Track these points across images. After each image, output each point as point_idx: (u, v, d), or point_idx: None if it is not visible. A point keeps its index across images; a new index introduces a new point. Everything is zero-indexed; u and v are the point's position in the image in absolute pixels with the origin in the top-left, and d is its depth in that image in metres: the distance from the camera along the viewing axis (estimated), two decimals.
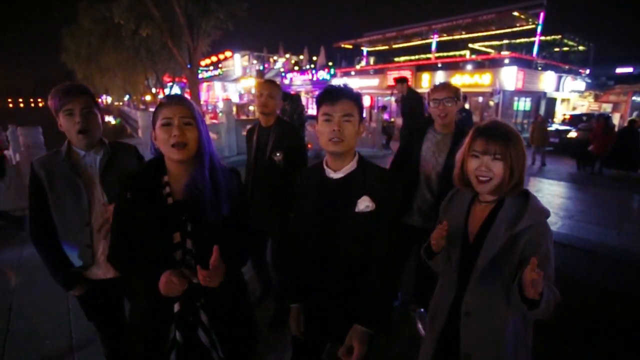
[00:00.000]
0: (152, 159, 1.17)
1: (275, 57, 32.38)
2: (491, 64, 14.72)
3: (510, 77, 13.96)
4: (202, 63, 31.27)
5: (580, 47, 19.51)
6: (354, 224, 1.20)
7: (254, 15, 18.02)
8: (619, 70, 21.79)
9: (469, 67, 15.28)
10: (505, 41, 18.41)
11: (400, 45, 21.22)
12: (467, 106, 8.40)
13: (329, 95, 1.19)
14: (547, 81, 16.16)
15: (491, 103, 14.73)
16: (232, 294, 1.19)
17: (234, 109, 9.17)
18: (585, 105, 19.10)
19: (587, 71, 19.25)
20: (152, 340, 1.13)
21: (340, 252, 1.23)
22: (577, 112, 16.74)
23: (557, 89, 17.09)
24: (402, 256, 2.46)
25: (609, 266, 3.64)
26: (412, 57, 20.84)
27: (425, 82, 16.33)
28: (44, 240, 1.47)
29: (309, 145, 7.24)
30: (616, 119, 15.25)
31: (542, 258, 1.07)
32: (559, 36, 17.62)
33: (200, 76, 23.64)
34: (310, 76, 24.51)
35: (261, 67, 28.61)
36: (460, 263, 1.21)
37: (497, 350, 1.15)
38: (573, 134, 10.86)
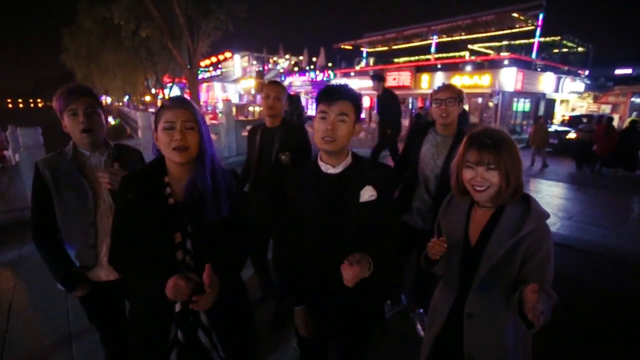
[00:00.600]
0: (154, 160, 1.18)
1: (275, 58, 32.42)
2: (490, 65, 14.75)
3: (509, 78, 13.99)
4: (202, 64, 31.30)
5: (580, 49, 19.55)
6: (360, 214, 1.24)
7: (253, 16, 18.03)
8: (618, 71, 21.84)
9: (469, 68, 15.31)
10: (505, 42, 18.47)
11: (400, 46, 21.25)
12: (466, 107, 8.42)
13: (327, 94, 1.21)
14: (546, 82, 16.19)
15: (490, 104, 14.76)
16: (230, 295, 1.19)
17: (234, 109, 9.17)
18: (584, 106, 19.14)
19: (586, 72, 19.28)
20: (153, 340, 1.13)
21: (345, 243, 1.25)
22: (576, 113, 16.77)
23: (556, 90, 17.12)
24: (402, 253, 2.48)
25: (608, 267, 3.65)
26: (412, 58, 20.86)
27: (425, 83, 16.36)
28: (45, 240, 1.47)
29: None
30: (615, 120, 15.27)
31: (543, 259, 1.08)
32: (558, 37, 17.67)
33: (200, 77, 23.65)
34: (307, 76, 24.53)
35: (260, 68, 28.63)
36: (462, 267, 1.22)
37: (499, 351, 1.16)
38: (572, 135, 10.88)
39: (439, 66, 16.44)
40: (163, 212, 1.09)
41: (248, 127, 2.69)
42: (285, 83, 25.86)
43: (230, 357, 1.19)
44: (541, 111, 16.77)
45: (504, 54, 15.33)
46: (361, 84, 19.81)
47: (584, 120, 12.18)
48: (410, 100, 17.97)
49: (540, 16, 14.68)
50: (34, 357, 2.25)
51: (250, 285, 2.85)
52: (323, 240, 1.28)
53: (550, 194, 6.61)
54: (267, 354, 2.23)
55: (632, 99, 18.10)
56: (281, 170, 2.15)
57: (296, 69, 28.85)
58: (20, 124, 6.40)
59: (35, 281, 3.10)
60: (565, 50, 19.24)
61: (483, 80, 14.59)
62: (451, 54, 18.84)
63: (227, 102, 10.28)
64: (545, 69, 16.07)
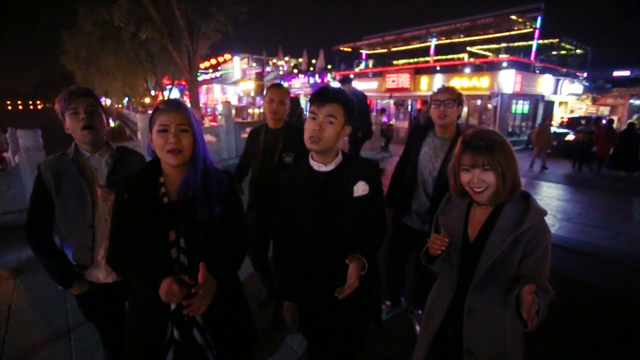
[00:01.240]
0: (150, 161, 1.20)
1: (274, 60, 32.48)
2: (489, 67, 14.81)
3: (508, 80, 14.04)
4: (202, 66, 31.33)
5: (578, 51, 19.62)
6: (354, 208, 1.31)
7: (253, 18, 18.08)
8: (616, 73, 21.91)
9: (468, 70, 15.37)
10: (504, 44, 18.55)
11: (399, 49, 21.31)
12: (465, 109, 8.46)
13: (318, 96, 1.27)
14: (544, 84, 16.25)
15: (489, 106, 14.80)
16: (226, 295, 1.20)
17: (233, 111, 9.20)
18: (583, 108, 19.20)
19: (585, 74, 19.35)
20: (150, 339, 1.14)
21: (342, 236, 1.32)
22: (574, 115, 16.83)
23: (555, 92, 17.18)
24: (401, 256, 2.49)
25: (606, 268, 3.66)
26: (411, 60, 20.93)
27: (424, 85, 16.41)
28: (39, 238, 1.48)
29: None
30: (614, 122, 15.33)
31: (541, 254, 1.12)
32: (557, 40, 17.74)
33: (199, 79, 23.68)
34: (314, 79, 24.59)
35: (260, 70, 28.69)
36: (461, 264, 1.24)
37: (498, 345, 1.18)
38: (571, 137, 10.92)
39: (438, 68, 16.50)
40: (158, 211, 1.12)
41: (248, 129, 2.69)
42: (285, 85, 25.94)
43: (224, 358, 1.20)
44: (540, 113, 16.83)
45: (502, 56, 15.39)
46: (361, 86, 19.88)
47: (583, 122, 12.22)
48: (409, 102, 18.02)
49: (539, 18, 14.75)
50: (34, 358, 2.25)
51: (254, 287, 2.87)
52: (319, 234, 1.34)
53: (549, 196, 6.63)
54: (267, 355, 2.23)
55: (631, 101, 18.17)
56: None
57: (296, 71, 28.90)
58: (19, 125, 6.41)
59: (34, 283, 3.10)
60: (563, 52, 19.32)
61: (482, 82, 14.64)
62: (450, 56, 18.89)
63: (226, 104, 10.29)
64: (543, 71, 16.13)
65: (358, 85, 20.00)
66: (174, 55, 17.14)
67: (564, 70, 17.75)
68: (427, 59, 18.26)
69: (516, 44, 18.11)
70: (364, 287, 1.33)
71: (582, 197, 6.66)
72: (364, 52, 22.25)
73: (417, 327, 2.44)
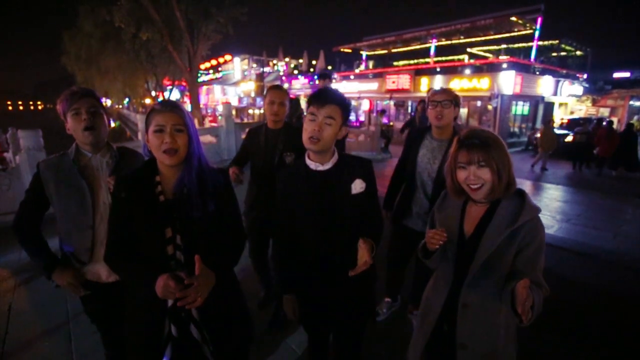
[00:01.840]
0: (146, 160, 1.23)
1: (274, 61, 32.52)
2: (489, 68, 14.81)
3: (508, 81, 14.05)
4: (202, 66, 31.35)
5: (578, 52, 19.64)
6: (353, 205, 1.36)
7: (253, 19, 18.11)
8: (616, 74, 21.93)
9: (468, 71, 15.37)
10: (504, 46, 18.56)
11: (399, 50, 21.34)
12: (465, 110, 8.44)
13: (317, 98, 1.30)
14: (544, 85, 16.26)
15: (489, 107, 14.81)
16: (222, 291, 1.22)
17: (234, 112, 9.22)
18: (583, 109, 19.20)
19: (585, 76, 19.37)
20: (149, 335, 1.16)
21: (339, 234, 1.37)
22: (574, 116, 16.83)
23: (555, 94, 17.19)
24: (403, 257, 2.51)
25: (604, 269, 3.66)
26: (411, 62, 20.97)
27: (424, 86, 16.42)
28: (27, 231, 1.49)
29: None
30: (614, 124, 15.36)
31: (536, 249, 1.14)
32: (557, 41, 17.75)
33: (199, 79, 23.70)
34: (304, 79, 24.62)
35: (260, 71, 28.72)
36: (457, 259, 1.26)
37: (491, 338, 1.21)
38: (570, 138, 10.95)
39: (438, 69, 16.51)
40: (154, 209, 1.14)
41: (247, 129, 2.67)
42: (285, 86, 25.99)
43: (221, 353, 1.22)
44: (540, 114, 16.83)
45: (502, 58, 15.40)
46: (361, 87, 19.90)
47: (581, 123, 12.24)
48: (409, 103, 18.03)
49: (539, 20, 14.77)
50: (34, 358, 2.26)
51: (253, 287, 2.88)
52: (318, 232, 1.38)
53: (549, 197, 6.64)
54: (267, 354, 2.24)
55: (630, 102, 18.18)
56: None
57: (296, 72, 28.93)
58: (20, 126, 6.42)
59: (35, 282, 3.11)
60: (563, 53, 19.34)
61: (482, 84, 14.65)
62: (450, 58, 18.91)
63: (226, 104, 10.30)
64: (543, 72, 16.14)
65: (358, 86, 20.03)
66: (175, 56, 17.17)
67: (564, 71, 17.76)
68: (427, 60, 18.29)
69: (516, 45, 18.13)
70: (361, 281, 1.38)
71: (582, 198, 6.67)
72: (364, 53, 22.28)
73: None
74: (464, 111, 16.40)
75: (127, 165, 1.56)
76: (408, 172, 2.25)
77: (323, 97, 1.29)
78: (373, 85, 19.28)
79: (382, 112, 13.92)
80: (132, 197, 1.15)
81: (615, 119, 15.73)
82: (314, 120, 1.29)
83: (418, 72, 17.03)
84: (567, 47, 18.88)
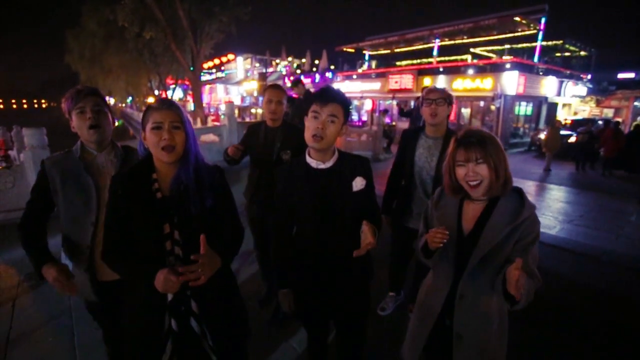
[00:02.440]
0: (142, 158, 1.25)
1: (277, 60, 32.55)
2: (492, 68, 14.76)
3: (511, 81, 14.00)
4: (205, 66, 31.41)
5: (582, 53, 19.53)
6: (353, 203, 1.40)
7: (257, 18, 18.14)
8: (620, 75, 21.79)
9: (471, 71, 15.33)
10: (507, 46, 18.47)
11: (402, 50, 21.29)
12: (468, 111, 8.40)
13: (320, 96, 1.32)
14: (548, 86, 16.19)
15: (492, 107, 14.76)
16: (219, 284, 1.25)
17: (236, 111, 9.20)
18: (586, 110, 19.11)
19: (589, 76, 19.26)
20: (149, 331, 1.18)
21: (339, 231, 1.40)
22: (578, 117, 16.75)
23: (559, 94, 17.11)
24: (405, 257, 2.54)
25: (606, 270, 3.65)
26: (414, 61, 20.91)
27: None
28: (29, 229, 1.48)
29: None
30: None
31: (530, 241, 1.19)
32: (561, 41, 17.65)
33: (202, 78, 23.75)
34: (318, 78, 24.62)
35: (263, 71, 28.76)
36: (457, 256, 1.30)
37: (483, 330, 1.26)
38: (573, 139, 10.91)
39: (441, 69, 16.47)
40: (152, 206, 1.16)
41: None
42: (288, 85, 26.00)
43: (221, 347, 1.24)
44: (543, 115, 16.75)
45: (506, 58, 15.33)
46: (363, 87, 19.88)
47: (584, 123, 12.20)
48: (412, 103, 17.99)
49: (543, 20, 14.70)
50: (37, 354, 2.29)
51: (253, 286, 2.90)
52: (319, 229, 1.40)
53: (551, 197, 6.62)
54: (267, 353, 2.26)
55: (635, 103, 18.06)
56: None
57: (299, 71, 28.93)
58: (25, 124, 6.47)
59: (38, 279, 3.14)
60: (567, 54, 19.24)
61: (485, 84, 14.60)
62: (453, 58, 18.86)
63: (229, 104, 10.32)
64: (547, 72, 16.07)
65: (361, 86, 20.00)
66: (178, 55, 17.22)
67: (568, 72, 17.67)
68: (430, 60, 18.23)
69: (520, 45, 18.03)
70: (358, 277, 1.44)
71: (584, 199, 6.64)
72: (367, 52, 22.25)
73: None
74: (466, 111, 16.37)
75: (132, 163, 1.57)
76: (406, 172, 2.27)
77: (326, 95, 1.32)
78: (376, 85, 19.26)
79: (385, 111, 13.90)
80: (129, 195, 1.16)
81: (619, 120, 15.65)
82: (317, 119, 1.31)
83: (421, 72, 16.99)
84: (571, 48, 18.78)
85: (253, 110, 28.95)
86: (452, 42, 18.67)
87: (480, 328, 1.26)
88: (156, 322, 1.16)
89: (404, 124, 17.94)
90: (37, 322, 2.60)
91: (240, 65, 34.11)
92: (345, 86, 21.07)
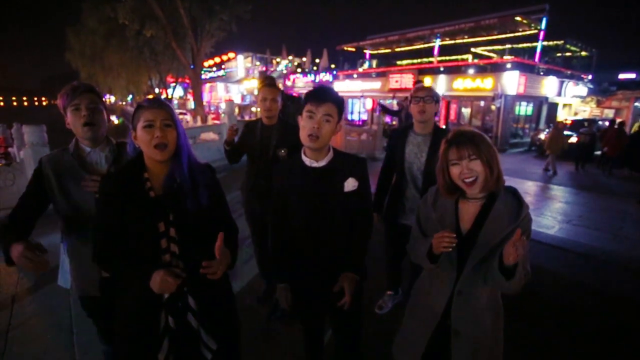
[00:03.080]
0: (132, 158, 1.24)
1: (278, 59, 32.52)
2: (493, 68, 14.76)
3: (512, 81, 14.00)
4: (205, 64, 31.44)
5: (583, 53, 19.50)
6: (344, 203, 1.40)
7: (257, 17, 18.11)
8: (621, 76, 21.75)
9: (471, 71, 15.33)
10: (508, 46, 18.46)
11: (403, 49, 21.28)
12: (468, 110, 8.39)
13: (315, 96, 1.34)
14: (549, 86, 16.19)
15: (493, 107, 14.76)
16: (218, 281, 1.26)
17: (236, 110, 9.20)
18: (587, 110, 19.08)
19: (590, 76, 19.24)
20: (144, 331, 1.18)
21: (329, 230, 1.42)
22: (578, 117, 16.74)
23: (559, 94, 17.11)
24: (400, 254, 2.53)
25: (603, 269, 3.66)
26: (415, 61, 20.88)
27: None
28: (17, 220, 1.40)
29: None
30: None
31: (526, 237, 1.18)
32: (562, 41, 17.64)
33: (203, 77, 23.72)
34: (312, 77, 24.61)
35: (264, 69, 28.74)
36: (457, 253, 1.31)
37: (478, 325, 1.28)
38: (574, 139, 10.91)
39: (441, 69, 16.47)
40: (145, 205, 1.16)
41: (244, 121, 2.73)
42: (288, 83, 25.98)
43: (218, 341, 1.24)
44: (544, 115, 16.74)
45: (506, 58, 15.33)
46: (364, 86, 19.88)
47: (585, 124, 12.20)
48: (394, 102, 17.96)
49: (544, 20, 14.69)
50: (37, 350, 2.30)
51: (252, 282, 2.91)
52: (310, 227, 1.42)
53: (551, 197, 6.63)
54: (265, 349, 2.26)
55: (636, 104, 18.03)
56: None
57: (299, 70, 28.92)
58: (25, 121, 6.47)
59: (38, 276, 3.15)
60: (568, 54, 19.21)
61: (485, 84, 14.60)
62: (454, 57, 18.84)
63: (229, 102, 10.32)
64: (548, 72, 16.06)
65: (361, 85, 20.00)
66: (178, 53, 17.21)
67: (569, 72, 17.66)
68: (430, 59, 18.22)
69: (520, 45, 18.01)
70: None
71: (584, 199, 6.65)
72: (367, 52, 22.24)
73: None
74: (467, 111, 16.36)
75: (125, 159, 1.56)
76: (397, 169, 2.33)
77: (321, 95, 1.33)
78: (376, 85, 19.25)
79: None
80: (120, 195, 1.15)
81: (619, 120, 15.64)
82: (313, 118, 1.32)
83: (421, 72, 16.99)
84: (572, 48, 18.76)
85: (253, 109, 28.93)
86: (452, 41, 18.66)
87: (475, 321, 1.28)
88: (151, 319, 1.17)
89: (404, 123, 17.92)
90: (36, 319, 2.61)
91: (240, 63, 34.08)
92: (346, 85, 21.06)
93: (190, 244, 1.15)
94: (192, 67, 18.10)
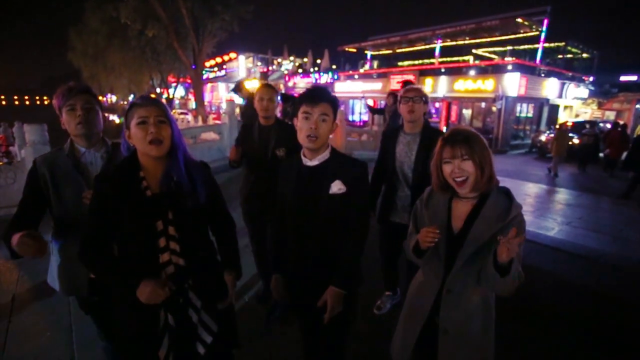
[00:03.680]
0: (125, 157, 1.23)
1: (279, 60, 32.57)
2: (494, 69, 14.75)
3: (513, 83, 13.99)
4: (207, 64, 31.44)
5: (584, 55, 19.50)
6: (328, 205, 1.38)
7: (259, 17, 18.16)
8: (623, 78, 21.76)
9: (472, 72, 15.33)
10: (509, 47, 18.45)
11: (404, 50, 21.30)
12: (469, 112, 8.34)
13: (310, 97, 1.35)
14: (550, 88, 16.18)
15: (494, 109, 14.76)
16: (214, 275, 1.29)
17: (237, 110, 9.18)
18: (588, 112, 19.07)
19: (591, 78, 19.23)
20: (142, 326, 1.18)
21: (316, 228, 1.42)
22: (579, 119, 16.73)
23: (560, 96, 17.10)
24: (395, 253, 2.56)
25: (602, 271, 3.65)
26: (416, 62, 20.92)
27: (428, 87, 16.38)
28: (19, 219, 1.43)
29: None
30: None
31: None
32: (563, 43, 17.64)
33: (204, 77, 23.78)
34: (314, 78, 24.62)
35: (265, 69, 28.78)
36: (446, 253, 1.33)
37: (468, 324, 1.29)
38: (576, 141, 10.89)
39: (442, 70, 16.47)
40: (142, 204, 1.15)
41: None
42: (289, 83, 26.01)
43: (217, 334, 1.26)
44: (544, 117, 16.73)
45: (507, 59, 15.32)
46: (365, 87, 19.88)
47: (587, 125, 12.19)
48: (382, 102, 17.96)
49: (545, 22, 14.68)
50: (36, 348, 2.30)
51: (251, 282, 2.91)
52: (299, 221, 1.44)
53: (551, 199, 6.62)
54: (264, 348, 2.27)
55: (637, 106, 18.00)
56: (277, 163, 2.27)
57: (300, 70, 28.95)
58: (26, 120, 6.49)
59: (37, 274, 3.15)
60: (569, 56, 19.21)
61: (486, 85, 14.60)
62: (455, 58, 18.84)
63: (230, 102, 10.32)
64: (549, 74, 16.05)
65: (362, 85, 20.00)
66: (180, 53, 17.26)
67: (570, 74, 17.65)
68: (431, 60, 18.23)
69: (522, 47, 18.02)
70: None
71: (585, 200, 6.64)
72: (368, 52, 22.25)
73: None
74: (468, 112, 16.36)
75: (119, 159, 1.57)
76: (389, 168, 2.36)
77: (316, 96, 1.35)
78: (377, 85, 19.25)
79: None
80: (116, 194, 1.14)
81: (622, 122, 15.60)
82: (309, 119, 1.33)
83: (422, 73, 17.00)
84: (574, 50, 18.76)
85: None
86: (454, 42, 18.67)
87: (465, 322, 1.29)
88: (150, 317, 1.17)
89: None
90: (35, 317, 2.62)
91: (242, 63, 34.12)
92: (347, 86, 21.08)
93: (190, 240, 1.15)
94: (193, 67, 18.14)
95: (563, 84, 16.97)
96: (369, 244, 1.56)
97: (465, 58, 19.10)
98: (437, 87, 16.24)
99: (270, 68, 31.32)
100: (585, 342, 2.46)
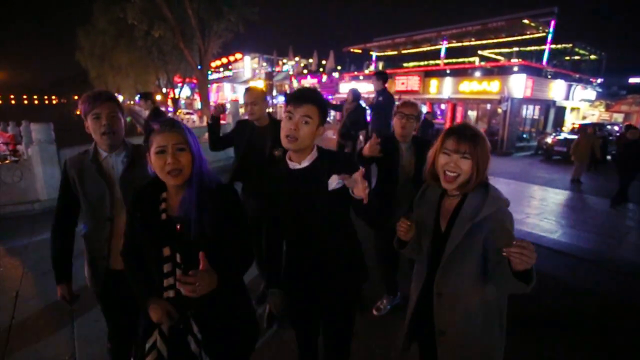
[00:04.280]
0: (155, 176, 1.18)
1: (284, 60, 32.65)
2: (500, 71, 14.63)
3: (518, 84, 13.86)
4: (213, 64, 31.63)
5: (592, 56, 19.28)
6: (329, 201, 1.34)
7: (264, 18, 18.22)
8: (631, 80, 21.51)
9: (478, 73, 15.21)
10: (515, 49, 18.31)
11: (409, 51, 21.21)
12: (474, 113, 8.29)
13: (295, 97, 1.32)
14: (556, 89, 16.02)
15: (499, 110, 14.64)
16: (225, 305, 1.21)
17: (241, 110, 9.24)
18: (595, 114, 18.87)
19: (599, 80, 19.01)
20: (144, 334, 1.18)
21: (318, 229, 1.39)
22: (586, 121, 16.56)
23: (567, 98, 16.91)
24: (393, 257, 2.56)
25: (606, 275, 3.62)
26: (421, 63, 20.82)
27: (434, 88, 16.30)
28: (58, 230, 1.62)
29: None
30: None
31: (506, 240, 1.09)
32: (570, 45, 17.46)
33: (210, 77, 23.91)
34: (325, 78, 24.65)
35: (270, 70, 28.85)
36: (432, 251, 1.33)
37: (467, 324, 1.26)
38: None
39: (448, 71, 16.37)
40: (154, 227, 1.16)
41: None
42: (295, 85, 26.05)
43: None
44: (551, 119, 16.57)
45: (514, 61, 15.20)
46: (370, 88, 19.84)
47: (596, 128, 12.07)
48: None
49: (552, 23, 14.54)
50: (38, 343, 2.34)
51: (252, 282, 2.91)
52: (299, 229, 1.41)
53: (556, 202, 6.56)
54: (263, 351, 2.28)
55: None
56: (276, 164, 2.29)
57: (305, 71, 29.00)
58: (34, 119, 6.58)
59: (41, 271, 3.20)
60: (577, 57, 19.01)
61: (492, 87, 14.47)
62: (461, 60, 18.75)
63: (234, 102, 10.39)
64: (555, 76, 15.89)
65: (367, 86, 19.96)
66: (186, 53, 17.39)
67: (577, 75, 17.46)
68: (437, 62, 18.14)
69: (528, 48, 17.86)
70: (347, 274, 1.43)
71: (589, 203, 6.58)
72: (374, 53, 22.22)
73: None
74: (473, 114, 16.26)
75: (140, 163, 1.54)
76: (392, 176, 2.37)
77: (301, 96, 1.31)
78: None
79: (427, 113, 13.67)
80: (138, 213, 1.18)
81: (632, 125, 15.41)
82: (291, 119, 1.30)
83: (428, 74, 16.90)
84: (581, 51, 18.56)
85: None
86: (459, 44, 18.55)
87: (463, 324, 1.26)
88: (144, 336, 1.16)
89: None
90: (38, 313, 2.66)
91: (247, 64, 34.29)
92: (352, 86, 21.04)
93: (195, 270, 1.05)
94: (199, 67, 18.26)
95: (570, 86, 16.80)
96: (368, 247, 1.56)
97: (471, 59, 18.99)
98: (442, 89, 16.15)
99: (276, 69, 31.38)
100: (588, 348, 2.44)
